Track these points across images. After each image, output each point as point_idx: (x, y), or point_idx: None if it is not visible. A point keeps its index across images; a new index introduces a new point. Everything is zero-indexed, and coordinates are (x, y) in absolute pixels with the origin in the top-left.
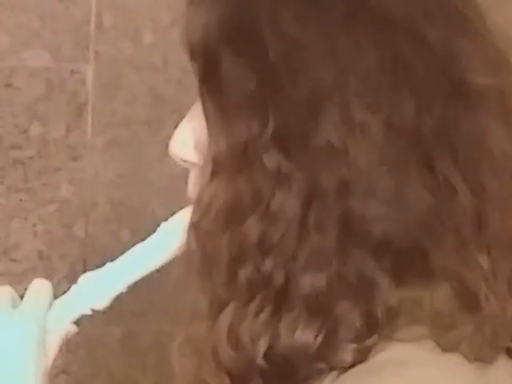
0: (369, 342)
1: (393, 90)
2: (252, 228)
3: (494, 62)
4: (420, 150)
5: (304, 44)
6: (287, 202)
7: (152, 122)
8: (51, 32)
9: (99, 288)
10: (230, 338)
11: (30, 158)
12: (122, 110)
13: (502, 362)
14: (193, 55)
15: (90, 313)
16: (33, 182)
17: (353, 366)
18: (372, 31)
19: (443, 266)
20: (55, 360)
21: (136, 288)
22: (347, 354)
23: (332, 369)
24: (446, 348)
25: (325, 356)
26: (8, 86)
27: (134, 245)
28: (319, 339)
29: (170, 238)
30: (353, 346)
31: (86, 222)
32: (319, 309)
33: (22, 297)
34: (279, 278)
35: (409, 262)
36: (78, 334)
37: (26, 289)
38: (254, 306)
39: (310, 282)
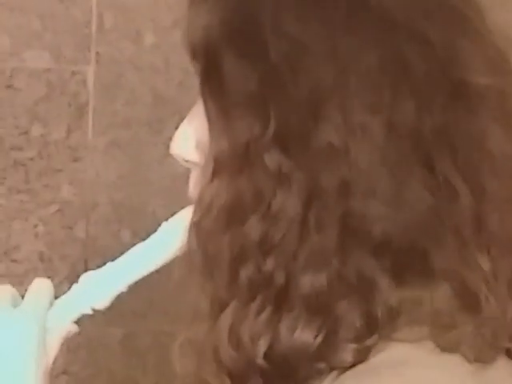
0: (369, 342)
1: (393, 90)
2: (253, 228)
3: (494, 62)
4: (420, 150)
5: (305, 44)
6: (288, 202)
7: (153, 122)
8: (52, 33)
9: (100, 287)
10: (231, 337)
11: (31, 159)
12: (123, 111)
13: (502, 362)
14: (194, 55)
15: (90, 312)
16: (34, 183)
17: (353, 366)
18: (372, 31)
19: (443, 266)
20: (56, 361)
21: (136, 289)
22: (347, 353)
23: (332, 369)
24: (446, 348)
25: (325, 356)
26: (9, 87)
27: (135, 245)
28: (319, 339)
29: (171, 237)
30: (353, 345)
31: (86, 222)
32: (319, 309)
33: (23, 297)
34: (280, 278)
35: (409, 262)
36: (78, 334)
37: (26, 290)
38: (254, 305)
39: (310, 281)
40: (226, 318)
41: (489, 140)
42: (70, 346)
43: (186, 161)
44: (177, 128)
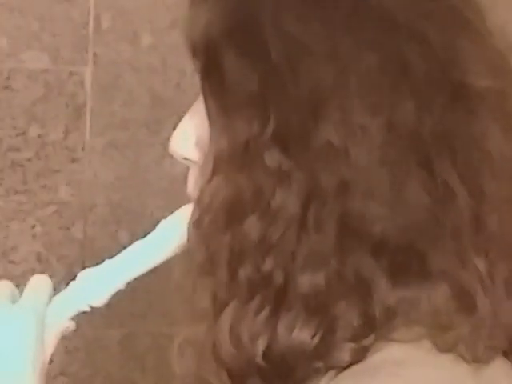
0: (366, 341)
1: (393, 90)
2: (252, 227)
3: (494, 64)
4: (419, 151)
5: (305, 44)
6: (287, 201)
7: (151, 123)
8: (50, 34)
9: (98, 284)
10: (232, 337)
11: (29, 160)
12: (121, 112)
13: (499, 362)
14: (194, 52)
15: (88, 309)
16: (31, 184)
17: (350, 365)
18: (373, 32)
19: (441, 266)
20: (53, 361)
21: (135, 290)
22: (344, 353)
23: (329, 368)
24: (443, 349)
25: (322, 355)
26: (6, 87)
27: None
28: (317, 338)
29: (169, 235)
30: (350, 345)
31: (84, 223)
32: (317, 308)
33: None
34: (279, 278)
35: (407, 262)
36: (76, 336)
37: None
38: (253, 305)
39: (308, 281)
40: (227, 318)
41: (488, 141)
42: (68, 347)
43: (185, 159)
44: (174, 129)
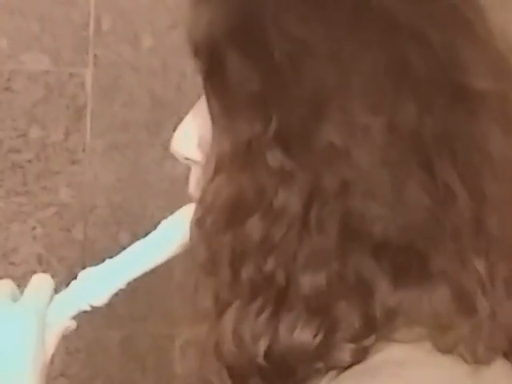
0: (367, 342)
1: (395, 91)
2: (254, 227)
3: (495, 65)
4: (420, 152)
5: (307, 44)
6: (289, 201)
7: (151, 125)
8: (50, 36)
9: (99, 284)
10: (234, 337)
11: (29, 161)
12: (121, 114)
13: (499, 363)
14: (196, 52)
15: (89, 309)
16: (32, 186)
17: (351, 366)
18: (374, 32)
19: (441, 268)
20: (54, 363)
21: (135, 291)
22: (345, 353)
23: (330, 368)
24: (444, 349)
25: (323, 355)
26: (7, 89)
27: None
28: (318, 339)
29: (170, 235)
30: (351, 346)
31: (85, 225)
32: (318, 309)
33: None
34: (280, 278)
35: (407, 263)
36: (77, 337)
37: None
38: (255, 305)
39: (309, 281)
40: (229, 318)
41: (489, 142)
42: (68, 348)
43: (186, 159)
44: (175, 130)
